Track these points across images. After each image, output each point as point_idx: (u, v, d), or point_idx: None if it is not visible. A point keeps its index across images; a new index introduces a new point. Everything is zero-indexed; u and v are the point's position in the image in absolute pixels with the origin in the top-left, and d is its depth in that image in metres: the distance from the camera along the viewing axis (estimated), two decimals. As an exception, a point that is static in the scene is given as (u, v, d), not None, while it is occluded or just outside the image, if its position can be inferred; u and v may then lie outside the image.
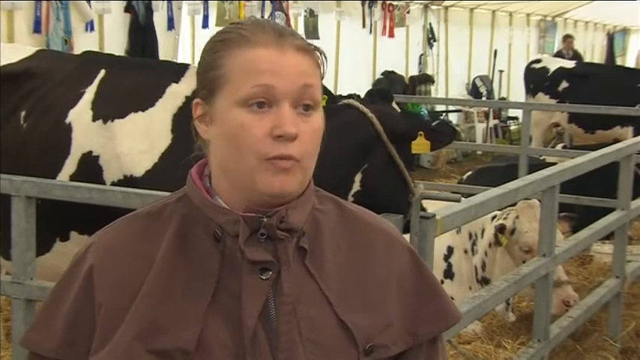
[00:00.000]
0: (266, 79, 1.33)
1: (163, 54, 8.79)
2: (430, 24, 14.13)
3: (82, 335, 1.37)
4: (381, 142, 3.62)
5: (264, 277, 1.34)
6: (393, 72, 12.93)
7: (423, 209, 2.97)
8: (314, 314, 1.36)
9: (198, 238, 1.38)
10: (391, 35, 12.89)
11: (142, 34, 8.62)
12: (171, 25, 9.08)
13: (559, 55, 14.63)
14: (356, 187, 3.64)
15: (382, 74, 12.85)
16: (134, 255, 1.38)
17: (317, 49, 1.40)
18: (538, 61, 11.60)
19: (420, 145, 3.68)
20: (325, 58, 1.42)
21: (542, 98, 10.81)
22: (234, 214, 1.36)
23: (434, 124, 3.94)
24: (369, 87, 10.55)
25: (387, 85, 12.16)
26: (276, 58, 1.34)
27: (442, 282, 5.01)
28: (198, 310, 1.33)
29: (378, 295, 1.41)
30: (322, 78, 1.41)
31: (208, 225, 1.37)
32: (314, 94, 1.37)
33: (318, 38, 10.97)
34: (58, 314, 1.40)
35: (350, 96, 4.14)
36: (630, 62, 20.81)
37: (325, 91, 3.91)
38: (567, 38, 15.47)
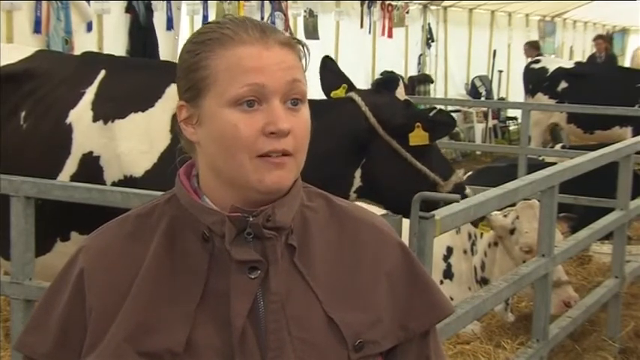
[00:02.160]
0: (254, 77, 1.33)
1: (163, 54, 8.79)
2: (429, 24, 14.12)
3: (75, 338, 1.38)
4: (379, 136, 3.58)
5: (252, 277, 1.34)
6: (392, 72, 12.93)
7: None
8: (303, 312, 1.37)
9: (187, 238, 1.38)
10: (390, 35, 12.89)
11: (142, 34, 8.62)
12: (170, 25, 9.08)
13: (592, 59, 14.15)
14: (357, 182, 3.59)
15: (381, 74, 12.84)
16: (124, 257, 1.39)
17: (299, 42, 1.40)
18: (537, 61, 11.60)
19: (418, 137, 3.57)
20: (308, 50, 1.42)
21: (542, 98, 10.81)
22: (221, 214, 1.36)
23: (431, 113, 3.80)
24: (368, 87, 10.55)
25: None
26: (262, 56, 1.34)
27: (441, 282, 5.01)
28: (187, 311, 1.34)
29: (368, 291, 1.41)
30: (305, 70, 1.41)
31: (197, 226, 1.37)
32: (302, 88, 1.37)
33: (317, 38, 10.97)
34: (51, 318, 1.40)
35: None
36: (628, 62, 20.81)
37: (344, 79, 3.84)
38: (598, 39, 14.32)
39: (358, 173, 3.58)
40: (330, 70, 3.80)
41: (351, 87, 3.75)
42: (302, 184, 1.44)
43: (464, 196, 3.74)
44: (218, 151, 1.36)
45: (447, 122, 3.81)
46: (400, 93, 3.77)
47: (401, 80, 3.99)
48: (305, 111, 1.38)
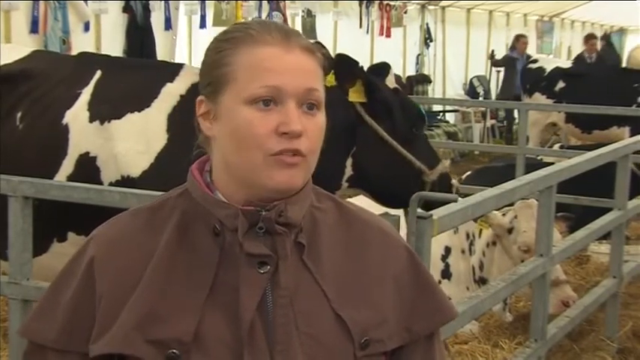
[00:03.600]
0: (273, 79, 1.36)
1: (161, 54, 8.79)
2: (427, 24, 14.15)
3: (83, 325, 1.39)
4: (366, 123, 3.53)
5: (262, 271, 1.37)
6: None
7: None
8: (311, 308, 1.39)
9: (198, 232, 1.40)
10: (388, 35, 12.90)
11: (140, 34, 8.63)
12: (168, 25, 9.09)
13: (580, 59, 13.95)
14: (348, 171, 3.57)
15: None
16: (135, 247, 1.41)
17: (320, 50, 1.43)
18: (535, 61, 11.60)
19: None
20: (327, 57, 1.44)
21: (539, 98, 10.81)
22: (234, 207, 1.38)
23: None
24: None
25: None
26: (283, 58, 1.37)
27: (440, 282, 5.01)
28: (196, 302, 1.36)
29: (375, 291, 1.44)
30: (325, 76, 1.45)
31: (208, 220, 1.40)
32: (318, 95, 1.40)
33: (315, 38, 10.97)
34: (59, 305, 1.42)
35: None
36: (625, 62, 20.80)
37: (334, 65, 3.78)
38: (590, 39, 13.80)
39: (349, 162, 3.57)
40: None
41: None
42: (312, 185, 1.47)
43: (450, 186, 3.72)
44: (232, 147, 1.38)
45: (388, 93, 3.64)
46: (390, 81, 3.73)
47: (392, 68, 3.90)
48: (320, 116, 1.41)
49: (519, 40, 13.87)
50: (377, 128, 3.54)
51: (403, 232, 2.59)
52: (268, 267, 1.37)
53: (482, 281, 4.99)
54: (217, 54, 1.41)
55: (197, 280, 1.37)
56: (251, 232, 1.38)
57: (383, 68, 3.81)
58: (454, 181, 3.82)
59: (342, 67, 3.54)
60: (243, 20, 9.51)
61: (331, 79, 3.62)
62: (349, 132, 3.53)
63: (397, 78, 5.00)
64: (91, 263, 1.40)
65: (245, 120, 1.36)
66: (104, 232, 1.45)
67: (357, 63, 3.62)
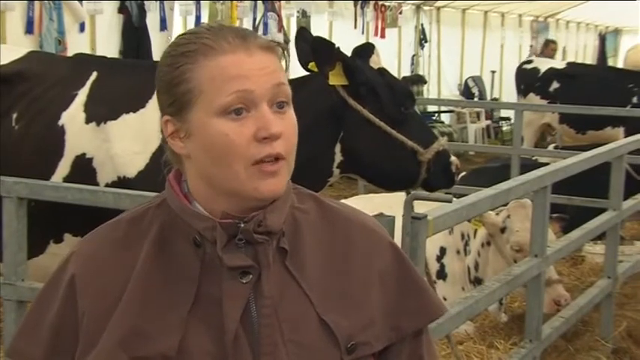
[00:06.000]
0: (240, 84, 1.33)
1: (156, 55, 8.77)
2: (422, 25, 14.14)
3: (67, 344, 1.38)
4: (350, 107, 3.47)
5: (244, 281, 1.35)
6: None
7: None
8: (295, 315, 1.37)
9: (178, 244, 1.38)
10: (383, 36, 12.89)
11: (135, 34, 8.62)
12: (163, 25, 9.08)
13: None
14: (338, 158, 3.50)
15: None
16: (115, 262, 1.39)
17: (279, 44, 1.41)
18: (529, 61, 11.60)
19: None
20: (287, 52, 1.43)
21: (534, 99, 10.81)
22: (212, 220, 1.36)
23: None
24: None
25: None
26: (245, 62, 1.34)
27: (435, 283, 5.01)
28: (179, 316, 1.34)
29: (360, 292, 1.42)
30: (286, 70, 1.42)
31: (188, 231, 1.37)
32: (287, 91, 1.37)
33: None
34: (43, 323, 1.40)
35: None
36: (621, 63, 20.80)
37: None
38: None
39: (338, 148, 3.50)
40: (305, 41, 3.71)
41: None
42: (292, 185, 1.44)
43: (448, 164, 3.69)
44: (211, 162, 1.35)
45: (366, 74, 3.56)
46: (374, 61, 3.65)
47: (375, 48, 3.79)
48: (291, 112, 1.38)
49: (548, 46, 13.76)
50: (361, 110, 3.47)
51: (398, 232, 2.59)
52: (250, 276, 1.35)
53: (477, 281, 4.99)
54: (175, 70, 1.36)
55: (179, 294, 1.35)
56: (231, 244, 1.35)
57: (366, 49, 3.75)
58: (453, 158, 3.74)
59: (320, 50, 3.49)
60: (193, 28, 9.47)
61: (313, 66, 3.57)
62: (334, 117, 3.47)
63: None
64: (72, 280, 1.39)
65: (220, 132, 1.32)
66: (84, 248, 1.43)
67: (334, 45, 3.55)
